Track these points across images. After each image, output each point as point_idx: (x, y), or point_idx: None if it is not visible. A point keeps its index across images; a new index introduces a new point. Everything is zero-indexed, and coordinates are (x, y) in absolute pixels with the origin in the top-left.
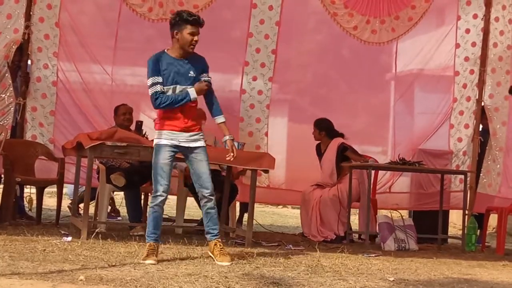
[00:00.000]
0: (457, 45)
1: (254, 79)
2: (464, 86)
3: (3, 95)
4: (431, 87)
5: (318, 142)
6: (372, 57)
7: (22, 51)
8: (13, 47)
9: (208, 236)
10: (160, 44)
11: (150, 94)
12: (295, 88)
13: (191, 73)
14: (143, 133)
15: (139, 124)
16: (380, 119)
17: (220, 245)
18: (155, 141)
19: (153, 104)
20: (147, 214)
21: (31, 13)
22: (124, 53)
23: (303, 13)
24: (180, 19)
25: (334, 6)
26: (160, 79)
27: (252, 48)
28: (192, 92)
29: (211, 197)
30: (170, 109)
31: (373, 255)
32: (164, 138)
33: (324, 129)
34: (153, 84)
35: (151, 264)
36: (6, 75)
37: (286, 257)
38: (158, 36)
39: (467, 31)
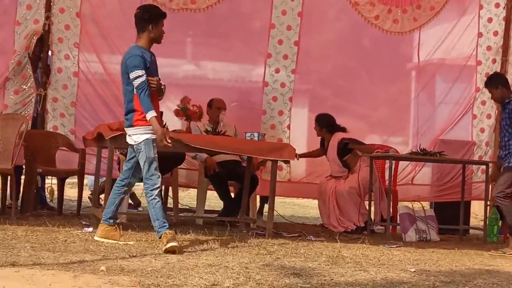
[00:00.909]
0: (480, 34)
1: (277, 71)
2: (486, 75)
3: (24, 86)
4: (453, 76)
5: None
6: (393, 47)
7: (43, 42)
8: (34, 38)
9: (112, 221)
10: (180, 34)
11: (140, 83)
12: (315, 78)
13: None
14: (163, 123)
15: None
16: (401, 109)
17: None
18: (146, 136)
19: (141, 95)
20: (151, 207)
21: (51, 3)
22: None
23: (324, 3)
24: (156, 14)
25: None
26: (144, 72)
27: (274, 40)
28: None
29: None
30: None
31: (394, 245)
32: (152, 132)
33: (325, 125)
34: (141, 76)
35: (173, 246)
36: (27, 66)
37: (306, 248)
38: (177, 26)
39: (489, 20)
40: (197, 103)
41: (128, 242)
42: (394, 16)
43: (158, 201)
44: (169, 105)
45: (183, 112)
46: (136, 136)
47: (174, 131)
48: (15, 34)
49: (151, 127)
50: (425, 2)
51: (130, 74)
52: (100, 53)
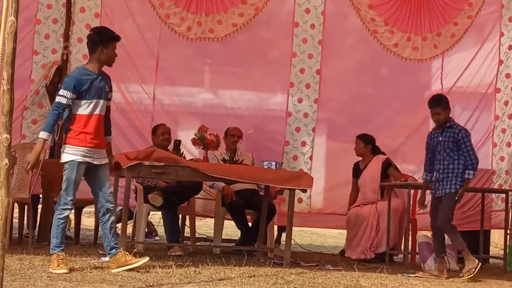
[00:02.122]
0: (500, 62)
1: (300, 101)
2: (506, 103)
3: (42, 116)
4: (472, 104)
5: (356, 161)
6: (412, 75)
7: (61, 71)
8: (53, 67)
9: (114, 251)
10: (199, 63)
11: (57, 102)
12: (333, 106)
13: (106, 89)
14: (181, 152)
15: (177, 143)
16: (420, 138)
17: (127, 253)
18: (70, 157)
19: (51, 112)
20: (55, 225)
21: (69, 33)
22: (164, 72)
23: (343, 30)
24: (107, 36)
25: (374, 24)
26: (70, 95)
27: (296, 69)
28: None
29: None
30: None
31: (413, 275)
32: (80, 154)
33: (370, 142)
34: (64, 97)
35: (64, 273)
36: (45, 95)
37: (324, 278)
38: (195, 55)
39: (510, 47)
40: (214, 132)
41: (143, 260)
42: (414, 43)
43: (64, 222)
44: (186, 134)
45: (201, 141)
46: (63, 155)
47: (191, 159)
48: (33, 64)
49: (81, 147)
50: (446, 29)
51: (59, 92)
52: (118, 82)
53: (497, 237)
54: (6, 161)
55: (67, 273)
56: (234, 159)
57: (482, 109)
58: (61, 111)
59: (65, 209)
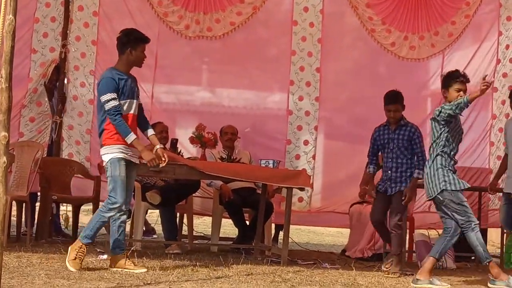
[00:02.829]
0: (498, 61)
1: (301, 99)
2: (503, 102)
3: (40, 114)
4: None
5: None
6: (409, 74)
7: (59, 69)
8: (51, 66)
9: (117, 251)
10: (197, 61)
11: (111, 107)
12: (331, 105)
13: (137, 89)
14: (178, 150)
15: (174, 141)
16: None
17: (128, 258)
18: (110, 156)
19: (115, 119)
20: (96, 220)
21: (67, 31)
22: (162, 71)
23: (341, 30)
24: (135, 38)
25: (371, 23)
26: (115, 95)
27: (296, 67)
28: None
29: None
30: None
31: (410, 273)
32: (119, 151)
33: None
34: (113, 99)
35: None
36: (43, 93)
37: (322, 276)
38: (193, 53)
39: (507, 47)
40: (212, 130)
41: (139, 270)
42: (411, 42)
43: (105, 222)
44: (184, 132)
45: (198, 139)
46: (104, 156)
47: (189, 158)
48: (31, 62)
49: (117, 145)
50: (443, 28)
51: (101, 98)
52: None
53: (494, 236)
54: (4, 159)
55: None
56: (232, 157)
57: (480, 109)
58: (120, 112)
59: (112, 209)
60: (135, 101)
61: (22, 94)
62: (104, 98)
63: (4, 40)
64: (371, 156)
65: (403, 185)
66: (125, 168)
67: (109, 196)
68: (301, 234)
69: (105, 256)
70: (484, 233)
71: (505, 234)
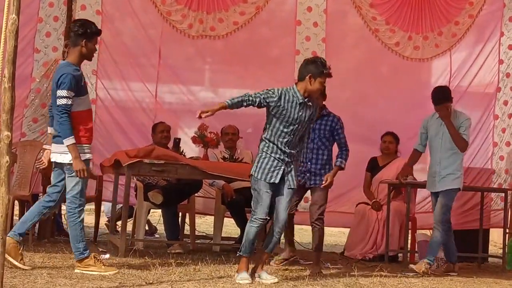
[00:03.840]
0: (501, 61)
1: None
2: (505, 103)
3: (44, 115)
4: (472, 103)
5: (373, 156)
6: (412, 74)
7: None
8: (54, 65)
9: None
10: (199, 61)
11: (63, 104)
12: (335, 105)
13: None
14: (181, 150)
15: (177, 141)
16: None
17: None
18: (84, 156)
19: (63, 117)
20: (78, 229)
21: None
22: (166, 70)
23: (344, 29)
24: (91, 30)
25: (375, 23)
26: (72, 94)
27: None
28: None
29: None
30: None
31: (412, 274)
32: (87, 152)
33: (398, 143)
34: (68, 98)
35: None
36: (46, 93)
37: (324, 276)
38: (196, 53)
39: (510, 47)
40: (214, 130)
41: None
42: (415, 42)
43: (83, 223)
44: (187, 132)
45: (201, 139)
46: (68, 155)
47: (191, 158)
48: (34, 62)
49: (84, 145)
50: (447, 28)
51: (58, 91)
52: (119, 80)
53: (496, 236)
54: (7, 158)
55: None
56: (234, 157)
57: (483, 109)
58: (70, 112)
59: (81, 211)
60: (88, 95)
61: (25, 94)
62: (62, 93)
63: (7, 40)
64: None
65: (322, 178)
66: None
67: (74, 198)
68: (303, 234)
69: (107, 256)
70: (486, 233)
71: (507, 235)
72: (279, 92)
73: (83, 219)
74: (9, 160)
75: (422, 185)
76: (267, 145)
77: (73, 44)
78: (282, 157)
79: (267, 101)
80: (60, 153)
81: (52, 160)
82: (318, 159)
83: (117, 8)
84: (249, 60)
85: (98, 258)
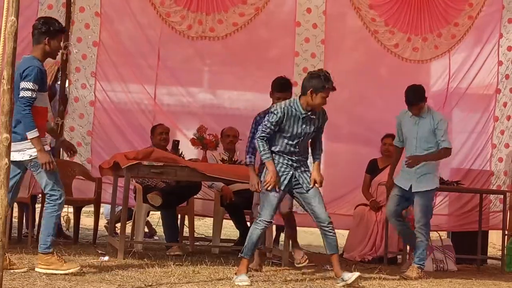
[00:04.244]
0: (500, 63)
1: None
2: (505, 104)
3: None
4: (471, 105)
5: (373, 158)
6: (410, 76)
7: (60, 71)
8: (54, 67)
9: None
10: (198, 63)
11: (28, 97)
12: (334, 107)
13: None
14: (180, 152)
15: (176, 143)
16: None
17: None
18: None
19: (26, 110)
20: (52, 223)
21: (69, 33)
22: (165, 72)
23: (344, 31)
24: (54, 28)
25: (374, 24)
26: (36, 88)
27: (299, 68)
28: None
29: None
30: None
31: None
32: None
33: None
34: (32, 90)
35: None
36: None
37: (323, 278)
38: (195, 55)
39: (509, 48)
40: (213, 132)
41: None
42: (414, 44)
43: (59, 219)
44: (185, 134)
45: (199, 141)
46: (31, 150)
47: (190, 160)
48: None
49: (43, 139)
50: (446, 30)
51: (22, 83)
52: (118, 82)
53: (495, 238)
54: (6, 160)
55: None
56: (233, 159)
57: (483, 110)
58: (31, 105)
59: (61, 203)
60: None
61: None
62: (27, 85)
63: (6, 42)
64: (251, 145)
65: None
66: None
67: (52, 191)
68: (302, 236)
69: (106, 258)
70: (485, 235)
71: (506, 237)
72: (282, 110)
73: (59, 214)
74: (8, 162)
75: None
76: (274, 155)
77: (36, 42)
78: (290, 163)
79: (276, 126)
80: (18, 151)
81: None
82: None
83: (115, 9)
84: (248, 62)
85: (60, 256)
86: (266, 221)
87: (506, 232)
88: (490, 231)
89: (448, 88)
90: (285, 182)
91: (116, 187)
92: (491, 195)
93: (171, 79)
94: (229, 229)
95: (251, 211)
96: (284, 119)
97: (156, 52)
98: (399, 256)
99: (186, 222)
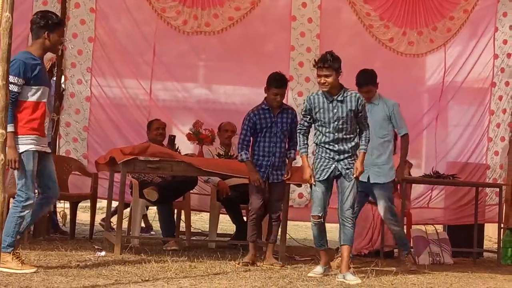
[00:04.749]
0: (496, 56)
1: (300, 94)
2: (500, 98)
3: None
4: (467, 99)
5: None
6: (406, 70)
7: (56, 66)
8: (49, 63)
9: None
10: (193, 58)
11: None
12: None
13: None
14: (176, 147)
15: (172, 138)
16: (413, 132)
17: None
18: (25, 147)
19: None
20: (13, 223)
21: (64, 28)
22: (160, 67)
23: (338, 25)
24: (53, 22)
25: (369, 18)
26: (20, 82)
27: (295, 62)
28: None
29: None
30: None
31: (413, 268)
32: (32, 143)
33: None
34: (14, 84)
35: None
36: None
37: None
38: (191, 50)
39: (504, 42)
40: (209, 127)
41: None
42: (409, 38)
43: (22, 221)
44: (181, 129)
45: (195, 136)
46: (17, 146)
47: (186, 155)
48: None
49: (31, 136)
50: (441, 23)
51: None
52: (113, 77)
53: (491, 231)
54: (2, 156)
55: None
56: (229, 154)
57: (479, 104)
58: (14, 99)
59: (26, 206)
60: (47, 88)
61: None
62: (10, 79)
63: (1, 38)
64: (245, 142)
65: (283, 172)
66: (38, 160)
67: (20, 191)
68: (298, 230)
69: (103, 253)
70: (481, 228)
71: (501, 230)
72: (308, 99)
73: (24, 216)
74: (4, 158)
75: (417, 181)
76: (317, 149)
77: (36, 36)
78: (331, 155)
79: (306, 116)
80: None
81: None
82: (280, 153)
83: (111, 5)
84: (244, 56)
85: (18, 256)
86: (313, 215)
87: (502, 225)
88: (486, 224)
89: (443, 82)
90: (327, 174)
91: (112, 183)
92: (487, 188)
93: (167, 74)
94: (226, 224)
95: (247, 205)
96: (312, 108)
97: (152, 48)
98: (395, 250)
99: (183, 217)
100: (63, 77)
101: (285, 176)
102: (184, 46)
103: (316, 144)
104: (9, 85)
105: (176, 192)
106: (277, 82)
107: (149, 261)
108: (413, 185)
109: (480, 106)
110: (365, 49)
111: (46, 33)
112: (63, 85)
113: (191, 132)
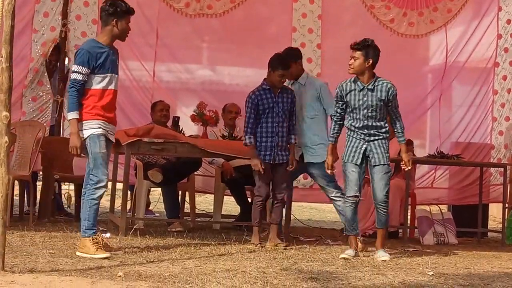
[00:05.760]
0: (499, 36)
1: None
2: (504, 78)
3: (41, 93)
4: (470, 79)
5: None
6: (408, 50)
7: (59, 49)
8: (51, 45)
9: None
10: (196, 40)
11: (73, 79)
12: (332, 82)
13: (117, 63)
14: (180, 129)
15: (176, 120)
16: (417, 113)
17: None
18: (89, 132)
19: (70, 91)
20: (87, 207)
21: (68, 10)
22: (163, 49)
23: (340, 6)
24: (122, 9)
25: None
26: (85, 71)
27: (297, 43)
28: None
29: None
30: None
31: (412, 249)
32: (97, 127)
33: None
34: (79, 73)
35: (106, 257)
36: (44, 72)
37: (324, 252)
38: (194, 32)
39: (508, 21)
40: (213, 108)
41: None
42: (410, 19)
43: (97, 203)
44: (185, 110)
45: (199, 117)
46: (83, 131)
47: (190, 136)
48: (32, 42)
49: (97, 120)
50: (442, 4)
51: (73, 66)
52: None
53: (495, 211)
54: (6, 138)
55: (109, 257)
56: (233, 135)
57: (482, 84)
58: (79, 87)
59: (98, 188)
60: (116, 76)
61: (23, 74)
62: (73, 68)
63: (4, 20)
64: (252, 126)
65: (287, 153)
66: (105, 144)
67: (91, 175)
68: (303, 211)
69: (108, 235)
70: (485, 208)
71: (506, 209)
72: (340, 86)
73: (97, 198)
74: (8, 140)
75: (422, 161)
76: (348, 131)
77: (104, 24)
78: (362, 137)
79: (339, 102)
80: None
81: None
82: (283, 133)
83: None
84: (246, 38)
85: (97, 241)
86: (349, 196)
87: (507, 205)
88: (490, 204)
89: (446, 62)
90: (360, 157)
91: (117, 164)
92: (491, 168)
93: (170, 56)
94: (230, 205)
95: (251, 186)
96: (344, 94)
97: (155, 30)
98: (400, 230)
99: (187, 198)
100: (66, 59)
101: (290, 167)
102: (187, 28)
103: (347, 128)
104: (73, 73)
105: (181, 174)
106: (283, 64)
107: (154, 243)
108: (417, 165)
109: (483, 86)
110: (367, 30)
111: (114, 20)
112: (67, 67)
113: (195, 114)
